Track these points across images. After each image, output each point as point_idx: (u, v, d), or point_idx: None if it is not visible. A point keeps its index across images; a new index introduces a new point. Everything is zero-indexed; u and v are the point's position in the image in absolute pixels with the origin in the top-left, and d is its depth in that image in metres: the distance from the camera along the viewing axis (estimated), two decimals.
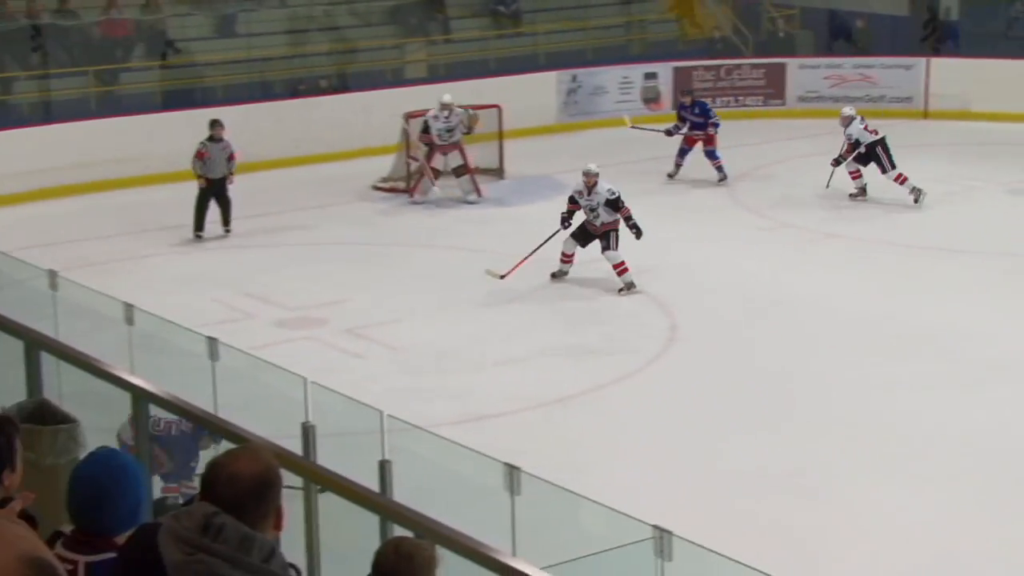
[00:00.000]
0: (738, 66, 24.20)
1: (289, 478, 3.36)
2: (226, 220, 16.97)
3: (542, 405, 11.63)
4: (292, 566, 3.12)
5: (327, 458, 6.39)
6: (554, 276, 14.56)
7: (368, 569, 4.31)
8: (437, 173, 18.35)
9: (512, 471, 6.17)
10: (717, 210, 18.00)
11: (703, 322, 13.60)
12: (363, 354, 12.86)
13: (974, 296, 14.32)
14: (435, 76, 23.37)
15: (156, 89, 21.75)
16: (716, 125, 19.05)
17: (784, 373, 12.24)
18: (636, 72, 23.70)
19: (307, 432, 6.68)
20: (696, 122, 19.13)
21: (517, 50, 24.68)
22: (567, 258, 14.57)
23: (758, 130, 22.36)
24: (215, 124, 16.94)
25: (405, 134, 19.16)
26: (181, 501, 8.05)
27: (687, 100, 19.50)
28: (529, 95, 22.25)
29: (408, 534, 5.05)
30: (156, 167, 18.88)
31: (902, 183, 17.86)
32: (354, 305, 14.14)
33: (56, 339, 7.46)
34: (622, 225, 14.47)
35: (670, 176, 19.23)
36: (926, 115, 23.36)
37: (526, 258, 14.18)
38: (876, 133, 18.00)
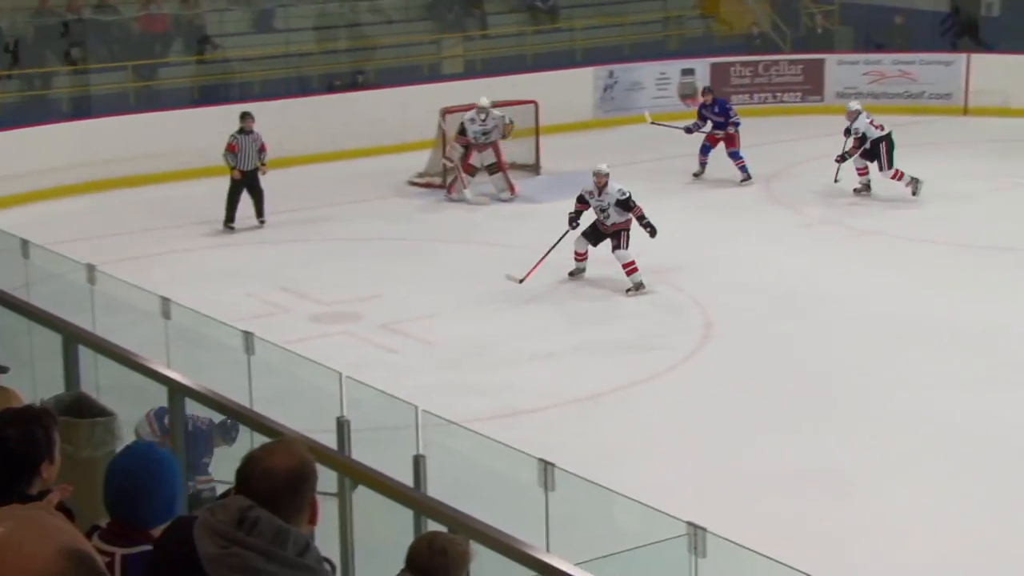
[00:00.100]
0: (776, 62, 24.08)
1: (324, 483, 3.36)
2: (259, 211, 17.07)
3: (576, 401, 11.63)
4: (326, 560, 3.13)
5: (362, 453, 6.40)
6: (571, 275, 14.54)
7: (402, 564, 4.32)
8: (473, 170, 18.35)
9: (546, 467, 6.17)
10: (754, 207, 17.93)
11: (738, 319, 13.56)
12: (398, 349, 12.88)
13: (1014, 294, 14.22)
14: (472, 72, 23.38)
15: (193, 84, 21.85)
16: (736, 124, 18.87)
17: (819, 371, 12.19)
18: (673, 68, 23.63)
19: (342, 427, 6.70)
20: (717, 121, 18.97)
21: (554, 46, 24.66)
22: (580, 256, 14.55)
23: (796, 126, 22.27)
24: (245, 117, 17.09)
25: (441, 130, 19.17)
26: (217, 494, 8.09)
27: (707, 99, 19.31)
28: (565, 91, 22.23)
29: (442, 529, 5.06)
30: (193, 162, 18.97)
31: (898, 179, 17.77)
32: (389, 300, 14.17)
33: (94, 333, 7.51)
34: (634, 224, 14.39)
35: (696, 175, 19.08)
36: (966, 112, 23.19)
37: (540, 261, 14.15)
38: (882, 129, 17.89)
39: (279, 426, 5.79)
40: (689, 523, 5.59)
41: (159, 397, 6.46)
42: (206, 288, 14.05)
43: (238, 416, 6.14)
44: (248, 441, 5.90)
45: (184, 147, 19.18)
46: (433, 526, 5.27)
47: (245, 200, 16.96)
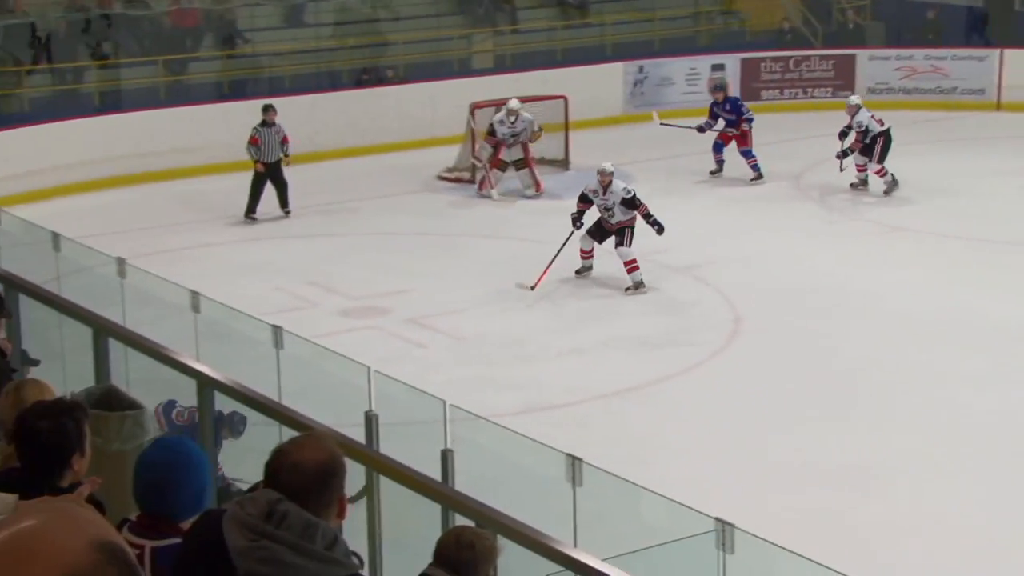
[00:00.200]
0: (807, 57, 23.98)
1: (351, 488, 3.37)
2: (284, 202, 17.20)
3: (604, 397, 11.62)
4: (354, 554, 3.13)
5: (390, 447, 6.42)
6: (578, 273, 14.48)
7: (429, 558, 4.33)
8: (503, 164, 18.35)
9: (574, 462, 6.17)
10: (783, 202, 17.87)
11: (768, 315, 13.52)
12: (426, 344, 12.90)
13: None
14: (501, 67, 23.38)
15: (223, 79, 21.93)
16: (749, 120, 18.67)
17: (849, 367, 12.14)
18: (703, 63, 23.56)
19: (370, 421, 6.72)
20: (729, 119, 18.80)
21: (584, 41, 24.64)
22: (586, 254, 14.50)
23: (826, 122, 22.07)
24: (267, 109, 17.25)
25: (470, 126, 19.18)
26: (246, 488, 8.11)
27: (719, 96, 19.11)
28: (595, 86, 22.21)
29: (470, 523, 5.07)
30: (222, 156, 19.03)
31: (881, 175, 17.73)
32: (418, 295, 14.19)
33: (124, 326, 7.55)
34: (638, 222, 14.32)
35: (713, 173, 18.91)
36: (999, 107, 23.04)
37: (549, 265, 14.08)
38: (882, 124, 17.79)
39: (308, 420, 5.81)
40: (717, 519, 5.58)
41: (189, 390, 6.49)
42: (235, 282, 14.10)
43: (266, 410, 6.16)
44: (277, 435, 5.92)
45: (213, 141, 19.25)
46: (461, 520, 5.28)
47: (269, 192, 17.04)
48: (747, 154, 18.71)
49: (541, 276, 14.01)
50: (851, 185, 18.00)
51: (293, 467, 3.02)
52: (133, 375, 7.43)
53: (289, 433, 5.50)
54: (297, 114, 20.06)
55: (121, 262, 10.25)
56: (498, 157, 18.31)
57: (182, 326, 9.31)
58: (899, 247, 15.89)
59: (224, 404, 7.38)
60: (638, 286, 14.12)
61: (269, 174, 17.06)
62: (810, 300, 13.90)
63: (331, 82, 22.10)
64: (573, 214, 14.51)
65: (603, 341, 12.89)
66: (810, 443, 10.56)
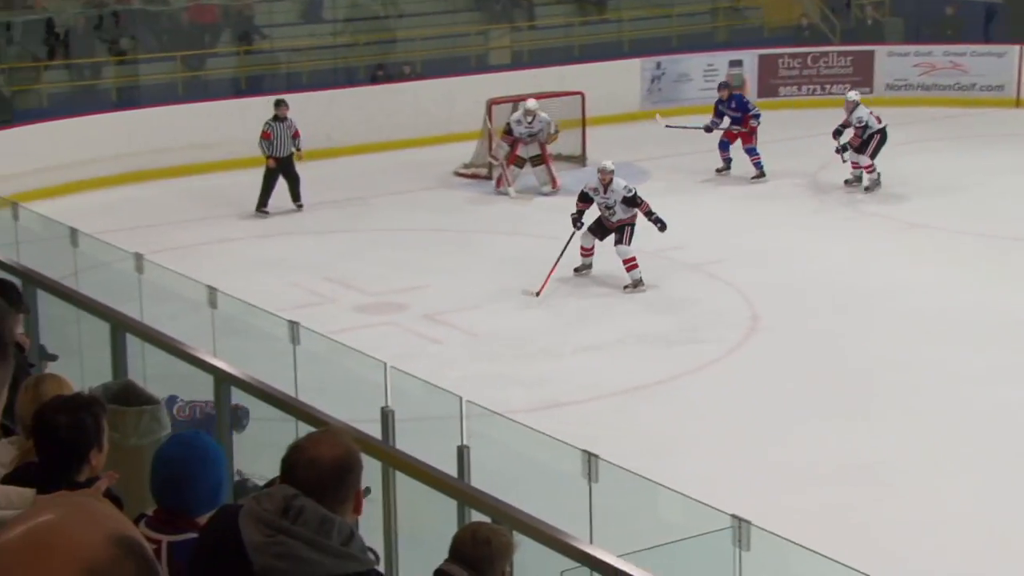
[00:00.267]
0: (825, 54, 23.92)
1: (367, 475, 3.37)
2: (296, 196, 17.31)
3: (620, 393, 11.62)
4: (370, 550, 3.14)
5: (406, 443, 6.43)
6: (577, 271, 14.44)
7: (445, 553, 4.34)
8: (520, 161, 18.34)
9: (590, 458, 6.17)
10: (801, 199, 17.83)
11: (785, 311, 13.50)
12: (442, 340, 12.91)
13: None
14: (519, 63, 23.37)
15: (241, 74, 21.97)
16: (756, 116, 18.52)
17: (866, 364, 12.11)
18: (721, 59, 23.52)
19: (386, 417, 6.73)
20: (734, 116, 18.68)
21: (601, 37, 24.61)
22: (587, 252, 14.45)
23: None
24: (279, 104, 17.37)
25: (487, 125, 19.18)
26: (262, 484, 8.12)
27: (723, 94, 18.94)
28: (613, 82, 22.18)
29: (485, 519, 5.07)
30: (239, 152, 19.06)
31: (869, 172, 17.69)
32: (434, 291, 14.19)
33: (141, 321, 7.57)
34: (639, 220, 14.27)
35: (719, 171, 18.80)
36: (1018, 103, 22.95)
37: (552, 270, 14.03)
38: (880, 121, 17.73)
39: (324, 416, 5.82)
40: (733, 516, 5.58)
41: (206, 386, 6.51)
42: (252, 278, 14.13)
43: (283, 406, 6.18)
44: (293, 431, 5.93)
45: (231, 137, 19.28)
46: (477, 516, 5.29)
47: (281, 187, 17.14)
48: (751, 152, 18.58)
49: (545, 281, 13.92)
50: (845, 182, 17.93)
51: (310, 463, 3.03)
52: (150, 370, 7.46)
53: (306, 429, 5.52)
54: (314, 110, 20.09)
55: (139, 258, 10.27)
56: (515, 153, 18.31)
57: (199, 322, 9.33)
58: (916, 244, 15.85)
59: (206, 391, 7.40)
60: (637, 284, 14.07)
61: (281, 168, 17.18)
62: (826, 297, 13.87)
63: (348, 78, 22.12)
64: (573, 214, 14.43)
65: (619, 338, 12.88)
66: (825, 441, 10.54)
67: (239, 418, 8.28)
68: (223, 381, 6.30)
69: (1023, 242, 15.69)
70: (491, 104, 19.32)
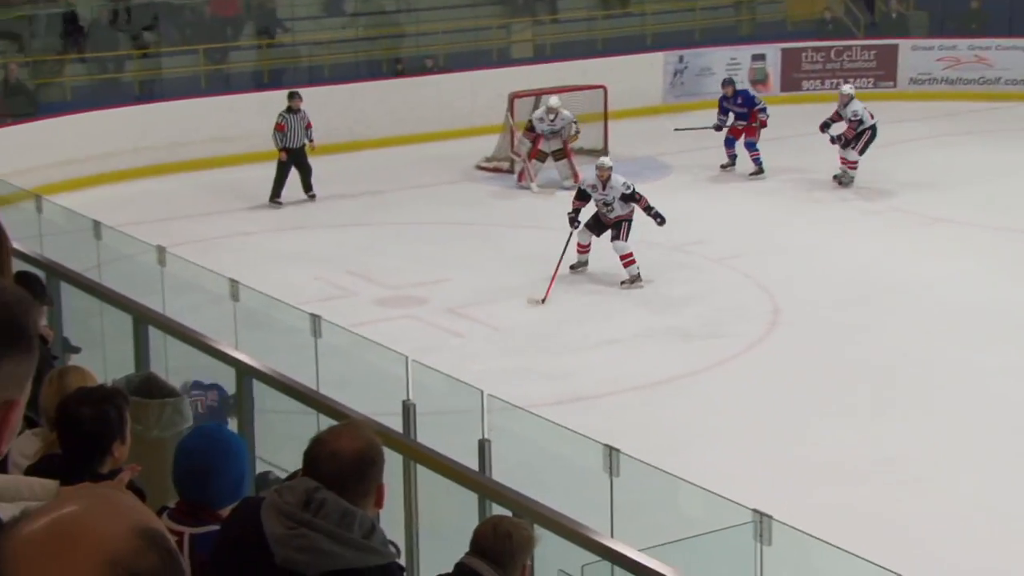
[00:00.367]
0: (848, 47, 23.82)
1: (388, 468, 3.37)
2: (307, 186, 17.47)
3: (641, 387, 11.60)
4: (391, 543, 3.14)
5: (427, 436, 6.43)
6: (573, 268, 14.36)
7: (466, 547, 4.34)
8: (542, 155, 18.33)
9: (611, 452, 6.16)
10: (823, 193, 17.77)
11: (806, 306, 13.46)
12: (464, 333, 12.91)
13: None
14: (541, 56, 23.34)
15: (263, 68, 22.00)
16: (764, 110, 18.37)
17: (888, 359, 12.08)
18: (744, 53, 23.45)
19: (408, 410, 6.73)
20: (739, 112, 18.53)
21: (624, 30, 24.57)
22: (584, 248, 14.38)
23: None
24: (293, 96, 17.51)
25: (509, 121, 19.17)
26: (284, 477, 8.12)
27: (728, 91, 18.78)
28: (635, 76, 22.14)
29: (507, 513, 5.07)
30: (261, 145, 19.05)
31: (852, 168, 17.62)
32: (455, 284, 14.20)
33: (164, 314, 7.59)
34: (637, 216, 14.21)
35: (723, 167, 18.68)
36: None
37: (555, 274, 13.98)
38: (872, 117, 17.63)
39: (346, 409, 5.83)
40: (755, 510, 5.57)
41: (228, 379, 6.52)
42: (274, 270, 14.15)
43: (305, 399, 6.19)
44: (315, 424, 5.94)
45: (253, 130, 19.30)
46: (498, 510, 5.29)
47: (294, 178, 17.32)
48: (751, 146, 18.42)
49: (549, 287, 13.85)
50: (834, 177, 17.85)
51: (331, 456, 3.03)
52: (172, 363, 7.48)
53: (327, 422, 5.53)
54: (337, 104, 20.12)
55: (161, 250, 10.30)
56: (536, 148, 18.30)
57: (221, 314, 9.35)
58: (939, 239, 15.78)
59: (227, 383, 7.42)
60: (634, 280, 14.02)
61: (293, 159, 17.33)
62: (848, 292, 13.83)
63: (371, 71, 22.13)
64: (570, 213, 14.33)
65: (640, 332, 12.87)
66: (846, 436, 10.51)
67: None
68: (245, 374, 6.31)
69: None
70: (513, 98, 19.31)
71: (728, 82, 19.15)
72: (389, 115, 20.64)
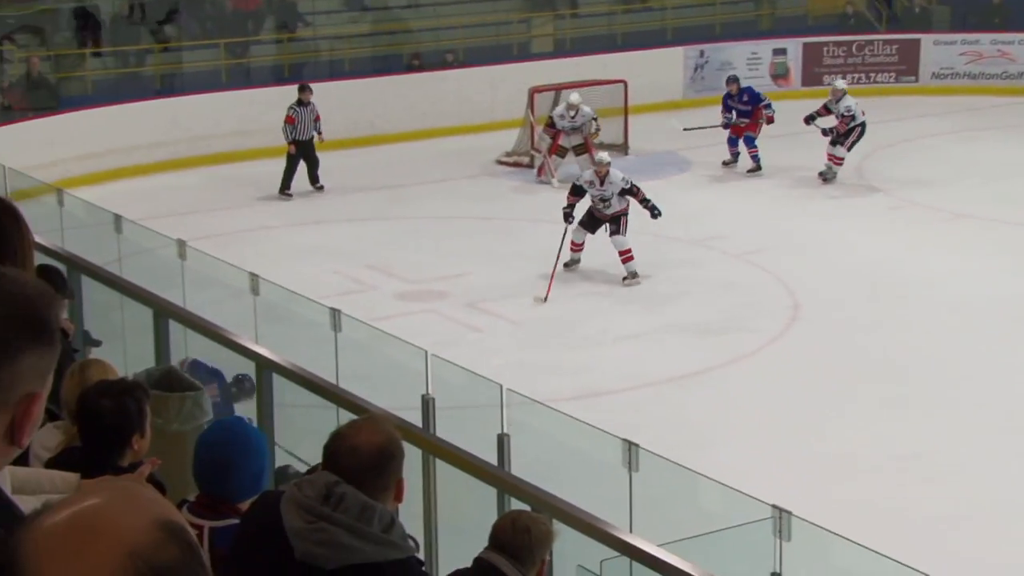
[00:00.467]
0: (870, 42, 23.73)
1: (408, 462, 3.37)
2: (314, 178, 17.63)
3: (660, 383, 11.59)
4: (410, 537, 3.15)
5: (446, 431, 6.44)
6: (567, 266, 14.33)
7: (485, 541, 4.34)
8: (562, 150, 18.32)
9: (631, 447, 6.15)
10: (844, 188, 17.73)
11: (827, 302, 13.43)
12: (483, 328, 12.92)
13: None
14: (561, 51, 23.32)
15: (284, 62, 22.03)
16: (769, 106, 18.25)
17: (908, 354, 12.04)
18: (765, 48, 23.39)
19: (427, 404, 6.73)
20: (742, 110, 18.41)
21: (644, 25, 24.52)
22: (577, 247, 14.33)
23: (889, 107, 21.94)
24: (303, 89, 17.65)
25: (529, 118, 19.15)
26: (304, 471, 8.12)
27: (732, 88, 18.62)
28: (656, 70, 22.10)
29: (525, 507, 5.08)
30: (281, 139, 19.11)
31: (838, 164, 17.55)
32: (475, 279, 14.20)
33: (184, 307, 7.61)
34: (632, 209, 14.16)
35: (725, 164, 18.58)
36: None
37: (554, 272, 13.96)
38: (864, 114, 17.54)
39: (365, 403, 5.84)
40: (774, 506, 5.56)
41: (231, 365, 6.53)
42: (293, 264, 14.18)
43: (324, 393, 6.20)
44: (335, 418, 5.95)
45: (274, 125, 19.31)
46: (516, 504, 5.29)
47: (302, 172, 17.46)
48: (750, 142, 18.29)
49: (549, 284, 13.82)
50: (820, 174, 17.77)
51: (351, 450, 3.04)
52: (193, 356, 7.50)
53: (347, 416, 5.54)
54: (357, 98, 20.14)
55: (182, 244, 10.32)
56: (557, 143, 18.29)
57: (241, 308, 9.37)
58: (961, 234, 15.72)
59: (227, 367, 7.43)
60: (634, 276, 14.00)
61: (302, 152, 17.44)
62: (868, 287, 13.79)
63: (390, 66, 22.13)
64: (565, 209, 14.28)
65: (660, 327, 12.85)
66: (866, 431, 10.49)
67: (245, 388, 8.24)
68: (265, 368, 6.33)
69: None
70: (533, 92, 19.29)
71: (732, 79, 19.02)
72: (409, 109, 20.65)
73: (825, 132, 17.61)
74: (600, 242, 14.25)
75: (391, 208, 17.12)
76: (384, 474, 3.05)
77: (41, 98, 19.14)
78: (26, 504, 1.96)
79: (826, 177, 17.68)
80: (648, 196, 14.16)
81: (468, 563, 4.33)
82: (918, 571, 5.38)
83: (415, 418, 6.57)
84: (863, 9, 25.46)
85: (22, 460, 3.75)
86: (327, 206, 17.19)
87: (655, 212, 14.12)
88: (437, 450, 5.85)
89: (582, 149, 18.33)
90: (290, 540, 2.97)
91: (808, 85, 22.84)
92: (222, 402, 8.33)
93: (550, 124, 18.25)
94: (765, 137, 18.57)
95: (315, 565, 2.95)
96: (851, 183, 17.94)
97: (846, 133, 17.51)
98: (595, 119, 18.04)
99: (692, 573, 4.61)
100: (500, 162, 19.28)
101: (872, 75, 23.49)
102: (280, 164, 17.83)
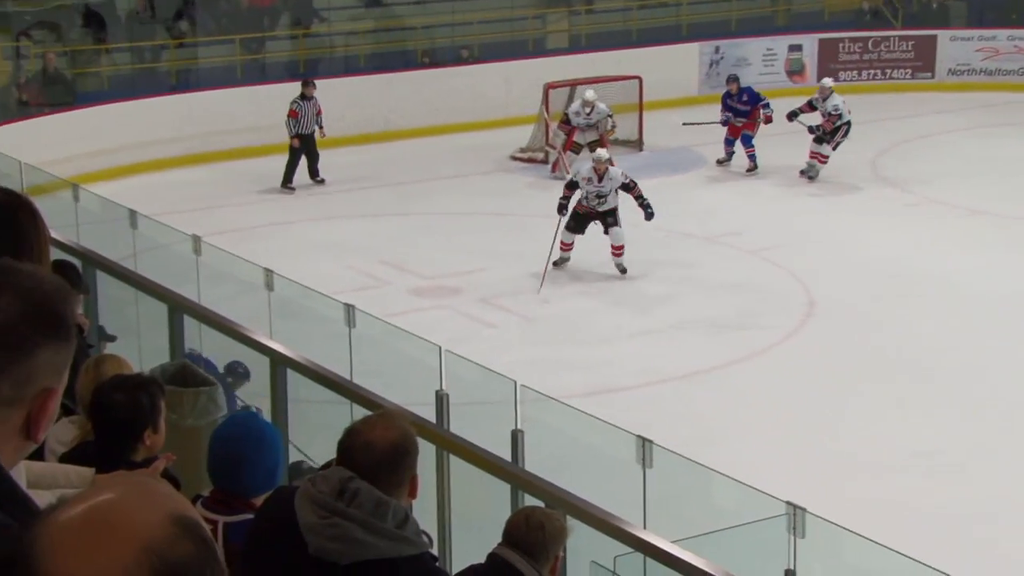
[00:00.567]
0: (886, 38, 23.67)
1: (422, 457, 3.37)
2: (314, 172, 17.75)
3: (675, 378, 11.58)
4: (424, 533, 3.15)
5: (460, 426, 6.44)
6: (556, 265, 14.30)
7: (498, 537, 4.34)
8: (577, 146, 18.30)
9: (644, 443, 6.15)
10: (861, 185, 17.69)
11: (842, 298, 13.40)
12: (497, 324, 12.92)
13: None
14: (576, 46, 23.30)
15: (299, 58, 22.05)
16: (767, 106, 18.15)
17: (924, 351, 12.01)
18: (780, 44, 23.34)
19: (441, 400, 6.74)
20: (741, 109, 18.32)
21: (660, 20, 24.49)
22: (567, 247, 14.31)
23: (905, 104, 21.91)
24: (307, 83, 17.79)
25: (544, 115, 19.14)
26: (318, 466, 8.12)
27: (732, 88, 18.54)
28: (671, 66, 22.06)
29: (539, 504, 5.08)
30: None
31: (822, 162, 17.48)
32: (489, 275, 14.20)
33: (199, 303, 7.62)
34: (623, 205, 14.13)
35: (720, 162, 18.54)
36: None
37: (547, 265, 13.94)
38: (850, 112, 17.46)
39: (379, 399, 5.85)
40: (788, 503, 5.55)
41: (262, 368, 6.55)
42: (308, 260, 14.19)
43: (338, 388, 6.20)
44: (348, 414, 5.95)
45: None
46: (530, 501, 5.29)
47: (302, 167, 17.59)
48: (747, 142, 18.21)
49: (543, 278, 13.81)
50: (800, 172, 17.72)
51: (365, 446, 3.04)
52: (207, 352, 7.51)
53: (360, 411, 5.54)
54: (372, 93, 20.15)
55: (196, 239, 10.33)
56: (571, 139, 18.27)
57: (256, 304, 9.38)
58: (978, 231, 15.68)
59: (217, 354, 7.43)
60: (624, 271, 13.99)
61: (304, 146, 17.48)
62: (884, 284, 13.76)
63: (406, 62, 22.14)
64: (561, 200, 14.23)
65: (674, 323, 12.84)
66: (882, 429, 10.47)
67: (239, 373, 8.22)
68: (279, 363, 6.33)
69: None
70: (548, 88, 19.28)
71: (733, 79, 18.94)
72: (423, 105, 20.66)
73: (811, 130, 17.56)
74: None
75: (405, 204, 17.13)
76: (398, 470, 3.05)
77: (57, 94, 19.19)
78: (41, 498, 1.96)
79: (810, 175, 17.62)
80: (644, 194, 14.09)
81: (482, 559, 4.33)
82: (933, 568, 5.37)
83: (429, 414, 6.57)
84: (880, 5, 25.38)
85: (37, 455, 3.76)
86: (341, 202, 17.21)
87: (649, 212, 14.04)
88: (451, 446, 5.85)
89: (597, 145, 18.30)
90: (304, 535, 2.98)
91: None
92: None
93: (565, 121, 18.23)
94: (776, 134, 18.55)
95: (329, 561, 2.96)
96: (866, 179, 17.90)
97: (832, 132, 17.46)
98: (610, 116, 18.02)
99: (706, 569, 4.60)
100: (514, 158, 19.28)
101: (888, 71, 23.43)
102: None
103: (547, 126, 18.92)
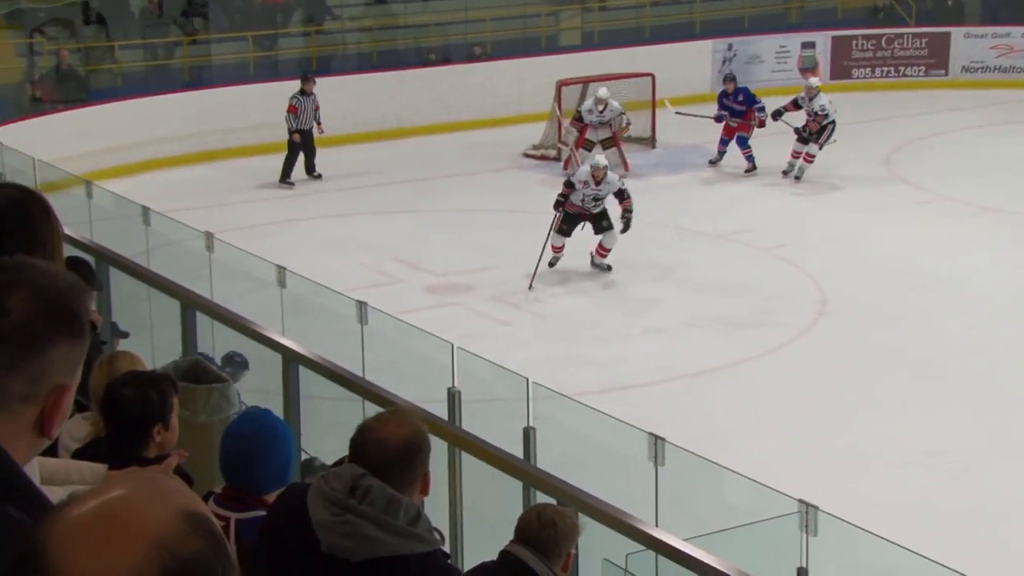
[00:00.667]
0: (900, 35, 23.60)
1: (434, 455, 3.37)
2: (311, 167, 17.87)
3: (688, 376, 11.58)
4: (436, 530, 3.15)
5: (472, 424, 6.44)
6: (550, 265, 14.29)
7: (510, 534, 4.34)
8: (590, 144, 18.29)
9: (657, 441, 6.14)
10: (874, 182, 17.65)
11: (855, 296, 13.38)
12: (510, 321, 12.92)
13: None
14: (589, 44, 23.27)
15: (312, 55, 22.06)
16: (762, 109, 18.08)
17: (936, 349, 11.99)
18: (793, 41, 23.29)
19: (453, 397, 6.74)
20: (736, 109, 18.26)
21: (672, 18, 24.45)
22: (558, 249, 14.27)
23: (918, 101, 21.86)
24: (307, 79, 17.88)
25: (556, 112, 19.12)
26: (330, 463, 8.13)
27: (729, 87, 18.50)
28: (684, 63, 22.03)
29: (551, 501, 5.07)
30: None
31: (808, 161, 17.43)
32: (501, 272, 14.20)
33: (211, 300, 7.63)
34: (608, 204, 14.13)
35: (712, 162, 18.47)
36: None
37: (539, 261, 13.93)
38: (835, 112, 17.40)
39: (391, 396, 5.85)
40: (801, 501, 5.54)
41: (274, 365, 6.55)
42: (320, 257, 14.20)
43: (351, 385, 6.21)
44: (360, 411, 5.96)
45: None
46: (542, 498, 5.29)
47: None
48: (743, 143, 18.17)
49: (534, 274, 13.79)
50: (783, 173, 17.66)
51: (378, 443, 3.04)
52: (220, 348, 7.52)
53: (373, 408, 5.55)
54: (384, 90, 20.14)
55: (209, 236, 10.34)
56: (584, 136, 18.26)
57: (268, 300, 9.39)
58: (991, 228, 15.64)
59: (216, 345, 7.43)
60: (608, 268, 13.99)
61: (302, 141, 17.59)
62: (896, 281, 13.74)
63: (418, 58, 22.14)
64: (559, 196, 14.20)
65: (686, 321, 12.83)
66: (894, 427, 10.45)
67: (237, 363, 8.21)
68: (291, 360, 6.34)
69: None
70: (560, 86, 19.27)
71: (729, 78, 18.90)
72: (436, 102, 20.66)
73: (797, 131, 17.52)
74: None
75: (418, 201, 17.13)
76: (410, 467, 3.05)
77: (71, 90, 19.23)
78: (55, 495, 1.96)
79: (795, 175, 17.57)
80: (632, 208, 14.03)
81: (494, 556, 4.33)
82: (946, 567, 5.35)
83: (441, 411, 6.57)
84: (893, 2, 25.31)
85: (51, 451, 3.77)
86: (354, 199, 17.22)
87: (627, 225, 14.02)
88: (463, 443, 5.86)
89: (610, 143, 18.30)
90: (316, 532, 2.98)
91: (837, 79, 22.74)
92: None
93: (578, 118, 18.21)
94: (782, 132, 18.53)
95: (341, 558, 2.96)
96: (879, 176, 17.86)
97: (818, 132, 17.41)
98: (624, 114, 17.99)
99: (718, 567, 4.60)
100: (527, 155, 19.27)
101: (902, 69, 23.37)
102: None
103: (559, 123, 18.90)
